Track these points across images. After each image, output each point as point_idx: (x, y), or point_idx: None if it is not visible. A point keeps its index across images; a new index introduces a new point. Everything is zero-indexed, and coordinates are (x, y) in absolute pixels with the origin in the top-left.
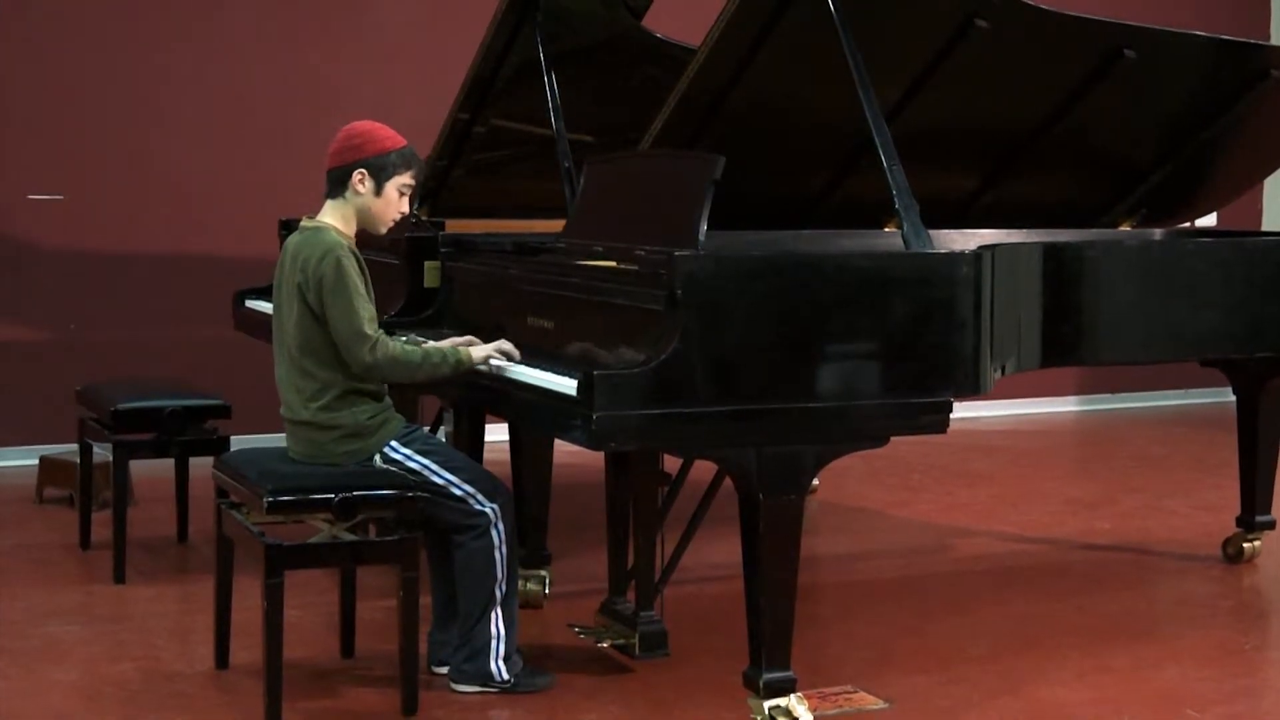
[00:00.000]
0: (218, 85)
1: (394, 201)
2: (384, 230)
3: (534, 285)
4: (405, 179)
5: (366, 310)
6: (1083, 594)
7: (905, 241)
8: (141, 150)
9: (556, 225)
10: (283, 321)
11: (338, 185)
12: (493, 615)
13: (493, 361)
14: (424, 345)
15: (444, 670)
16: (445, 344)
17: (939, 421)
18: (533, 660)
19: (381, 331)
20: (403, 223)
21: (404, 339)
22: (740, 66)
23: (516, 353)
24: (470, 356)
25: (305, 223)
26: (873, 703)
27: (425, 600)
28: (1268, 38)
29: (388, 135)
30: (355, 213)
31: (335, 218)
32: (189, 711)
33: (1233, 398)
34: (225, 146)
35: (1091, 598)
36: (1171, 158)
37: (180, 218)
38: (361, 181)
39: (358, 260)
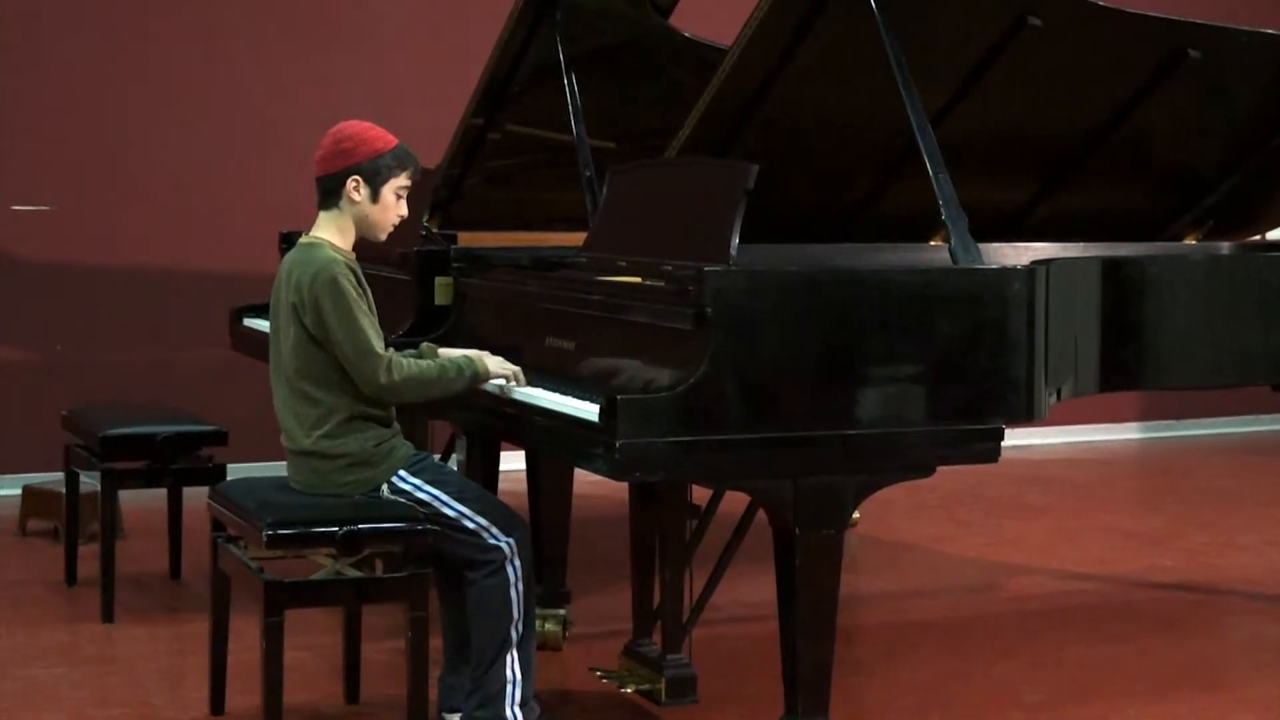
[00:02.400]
0: (213, 89)
1: (392, 206)
2: (384, 237)
3: (553, 303)
4: (402, 180)
5: (373, 328)
6: (1146, 637)
7: (953, 256)
8: (133, 158)
9: (577, 238)
10: (280, 346)
11: (330, 195)
12: (508, 658)
13: (495, 382)
14: (437, 359)
15: (455, 717)
16: (455, 353)
17: (990, 450)
18: (551, 707)
19: (391, 349)
20: (411, 236)
21: (412, 352)
22: (775, 68)
23: (522, 376)
24: (486, 368)
25: (301, 239)
26: None
27: (435, 642)
28: None
29: (378, 135)
30: (352, 223)
31: (330, 231)
32: None
33: None
34: (222, 154)
35: (1155, 641)
36: (1241, 165)
37: (174, 230)
38: (356, 189)
39: (356, 276)
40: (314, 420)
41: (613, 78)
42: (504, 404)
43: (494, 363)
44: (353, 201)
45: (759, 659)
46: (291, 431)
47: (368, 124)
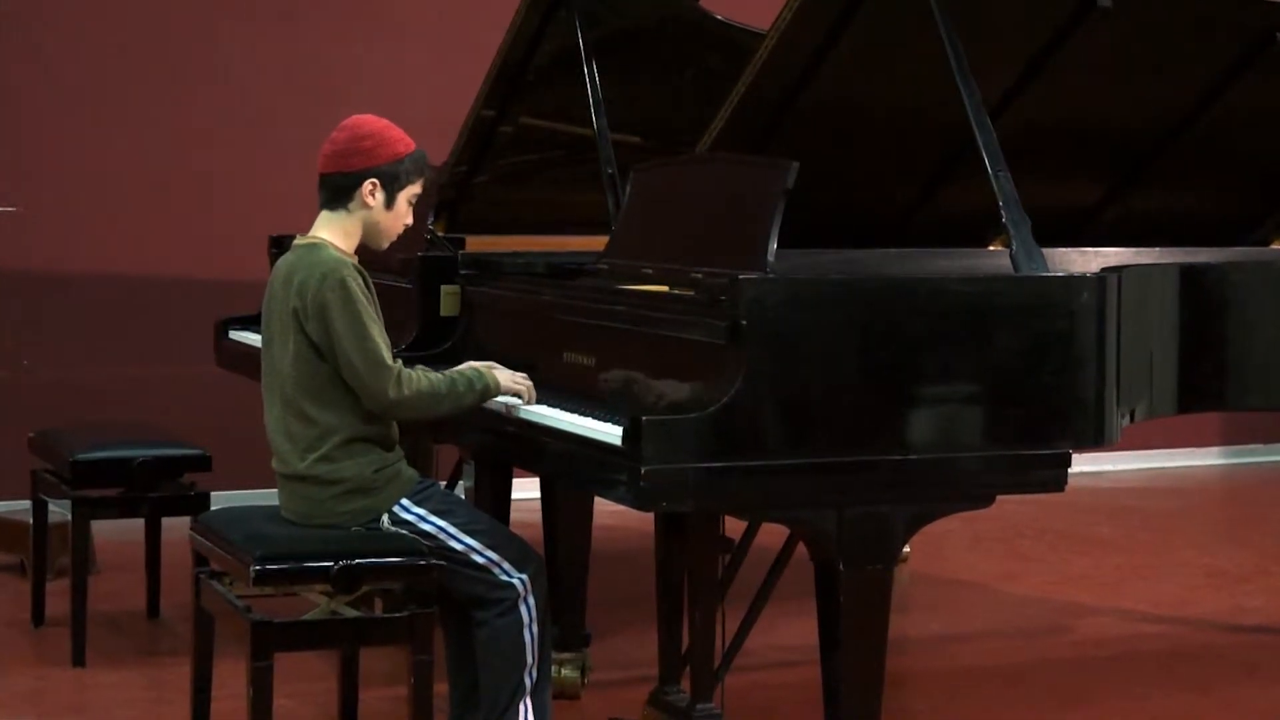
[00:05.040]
0: (198, 76)
1: (404, 215)
2: (386, 246)
3: (571, 314)
4: (416, 188)
5: (382, 337)
6: (1228, 685)
7: (1014, 263)
8: (108, 153)
9: (598, 243)
10: (274, 357)
11: (341, 195)
12: (521, 707)
13: (504, 399)
14: (445, 372)
15: None
16: (464, 367)
17: (1055, 477)
18: None
19: (399, 360)
20: (415, 240)
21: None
22: (817, 54)
23: (533, 391)
24: (497, 381)
25: (299, 240)
26: None
27: (440, 688)
28: None
29: (398, 137)
30: (360, 227)
31: (334, 232)
32: None
33: None
34: (208, 149)
35: (1239, 690)
36: None
37: (154, 233)
38: (373, 193)
39: (364, 280)
40: (309, 442)
41: (638, 65)
42: (515, 425)
43: (506, 375)
44: (366, 205)
45: (798, 708)
46: (284, 454)
47: (386, 122)
